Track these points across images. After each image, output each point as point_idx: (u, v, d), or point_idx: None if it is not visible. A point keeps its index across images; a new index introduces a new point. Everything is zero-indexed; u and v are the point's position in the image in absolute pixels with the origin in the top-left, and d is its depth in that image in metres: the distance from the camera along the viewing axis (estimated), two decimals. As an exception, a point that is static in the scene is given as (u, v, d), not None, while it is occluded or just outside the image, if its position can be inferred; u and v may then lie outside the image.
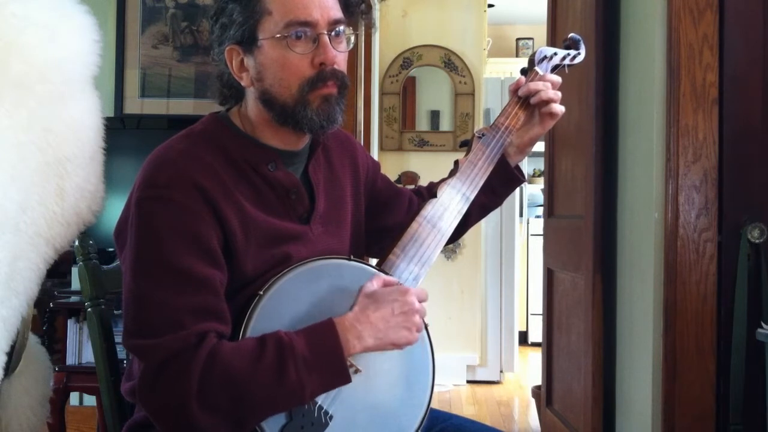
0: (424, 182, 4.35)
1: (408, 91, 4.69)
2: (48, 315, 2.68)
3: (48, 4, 1.39)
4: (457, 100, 4.62)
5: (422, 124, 4.69)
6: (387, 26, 4.51)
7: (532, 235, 5.92)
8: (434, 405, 1.30)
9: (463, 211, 1.39)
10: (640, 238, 2.35)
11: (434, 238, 1.33)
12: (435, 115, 4.68)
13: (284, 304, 1.19)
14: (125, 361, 1.45)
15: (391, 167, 4.52)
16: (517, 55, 6.71)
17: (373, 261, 1.34)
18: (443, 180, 1.42)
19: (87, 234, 1.44)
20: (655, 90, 2.22)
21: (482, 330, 4.69)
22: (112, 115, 3.25)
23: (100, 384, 1.40)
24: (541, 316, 3.50)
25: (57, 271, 2.60)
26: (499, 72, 6.03)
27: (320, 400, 1.17)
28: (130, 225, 1.19)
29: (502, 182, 1.49)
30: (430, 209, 1.35)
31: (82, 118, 1.40)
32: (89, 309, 1.41)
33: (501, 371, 4.70)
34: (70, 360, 2.64)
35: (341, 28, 1.25)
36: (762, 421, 1.97)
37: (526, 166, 5.91)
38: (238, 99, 1.31)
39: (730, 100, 2.15)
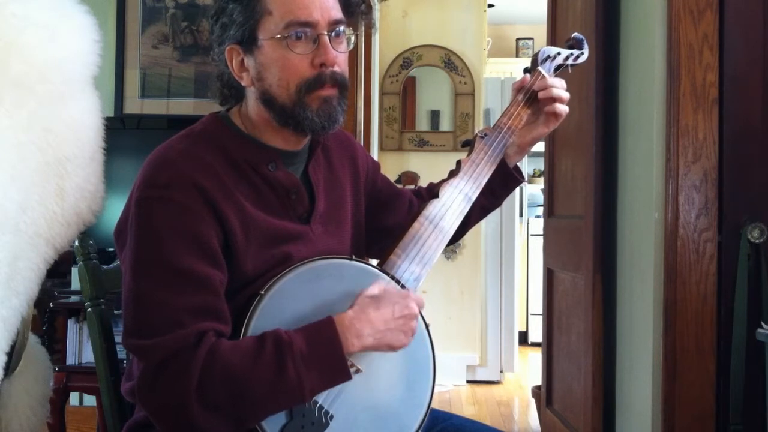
0: (424, 182, 4.36)
1: (408, 91, 4.69)
2: (48, 315, 2.68)
3: (48, 4, 1.38)
4: (457, 100, 4.62)
5: (422, 124, 4.69)
6: (387, 26, 4.51)
7: (532, 235, 5.92)
8: (434, 405, 1.30)
9: (465, 211, 1.39)
10: (640, 238, 2.35)
11: (436, 238, 1.33)
12: (435, 115, 4.68)
13: (285, 304, 1.19)
14: (125, 361, 1.45)
15: (391, 167, 4.52)
16: (517, 55, 6.71)
17: (374, 261, 1.34)
18: (444, 180, 1.42)
19: (87, 234, 1.44)
20: (655, 90, 2.22)
21: (482, 330, 4.68)
22: (112, 115, 3.25)
23: (100, 384, 1.40)
24: (541, 316, 3.50)
25: (57, 271, 2.60)
26: (499, 72, 6.03)
27: (321, 399, 1.17)
28: (130, 225, 1.19)
29: (500, 183, 1.49)
30: (432, 209, 1.35)
31: (82, 118, 1.40)
32: (89, 309, 1.41)
33: (501, 371, 4.70)
34: (70, 360, 2.64)
35: (341, 28, 1.25)
36: (762, 421, 1.97)
37: (526, 166, 5.91)
38: (239, 99, 1.31)
39: (730, 100, 2.15)
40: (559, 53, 1.51)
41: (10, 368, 1.43)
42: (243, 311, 1.17)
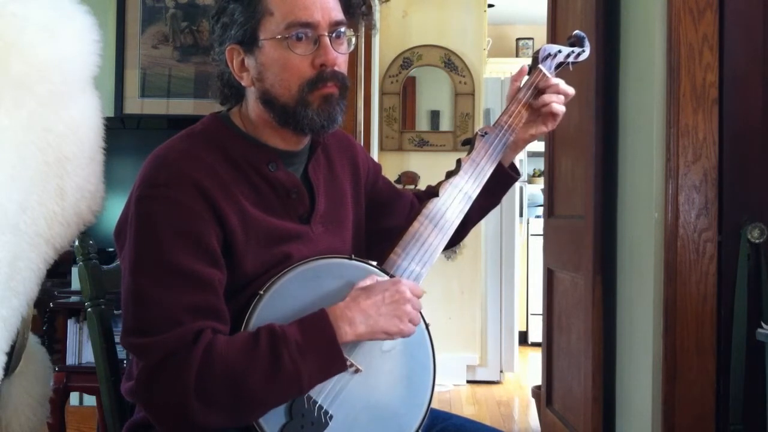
0: (424, 182, 4.36)
1: (408, 91, 4.68)
2: (48, 315, 2.68)
3: (48, 4, 1.38)
4: (457, 100, 4.62)
5: (422, 124, 4.69)
6: (387, 26, 4.51)
7: (532, 235, 5.91)
8: (434, 405, 1.30)
9: (466, 210, 1.39)
10: (640, 238, 2.35)
11: (436, 237, 1.33)
12: (435, 115, 4.68)
13: (285, 304, 1.19)
14: (125, 361, 1.45)
15: (391, 167, 4.52)
16: (517, 55, 6.70)
17: (374, 261, 1.34)
18: (443, 181, 1.42)
19: (87, 234, 1.44)
20: (655, 90, 2.22)
21: (482, 330, 4.68)
22: (112, 115, 3.25)
23: (100, 384, 1.40)
24: (541, 316, 3.50)
25: (57, 271, 2.59)
26: (499, 72, 6.03)
27: (320, 399, 1.17)
28: (130, 224, 1.19)
29: (497, 181, 1.49)
30: (432, 208, 1.35)
31: (82, 118, 1.40)
32: (89, 309, 1.41)
33: (501, 371, 4.70)
34: (70, 360, 2.64)
35: (342, 29, 1.25)
36: (762, 421, 1.97)
37: (526, 166, 5.91)
38: (239, 99, 1.32)
39: (730, 100, 2.15)
40: (560, 51, 1.51)
41: (10, 368, 1.43)
42: (243, 311, 1.17)
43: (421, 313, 1.28)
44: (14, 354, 1.42)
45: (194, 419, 1.10)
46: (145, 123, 3.27)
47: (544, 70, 1.47)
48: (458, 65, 4.59)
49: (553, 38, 3.17)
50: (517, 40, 6.75)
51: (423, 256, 1.31)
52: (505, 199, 1.58)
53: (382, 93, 4.56)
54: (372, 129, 3.90)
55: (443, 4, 4.61)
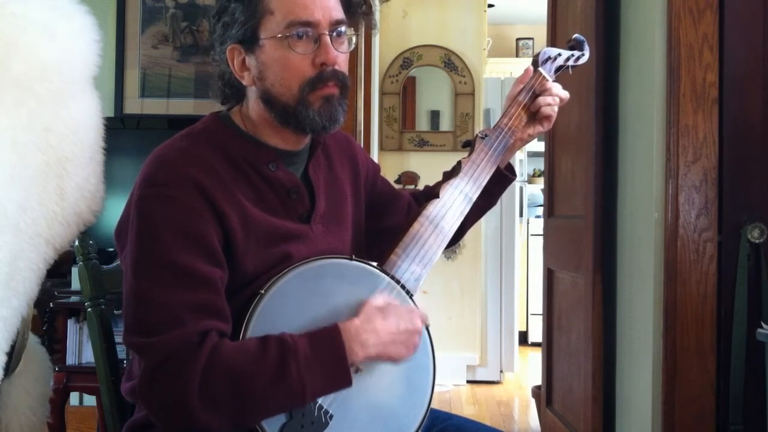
0: (423, 182, 4.36)
1: (408, 91, 4.68)
2: (48, 315, 2.68)
3: (48, 4, 1.38)
4: (457, 100, 4.62)
5: (422, 124, 4.69)
6: (387, 26, 4.51)
7: (532, 235, 5.91)
8: (434, 405, 1.30)
9: (466, 212, 1.39)
10: (640, 238, 2.35)
11: (436, 238, 1.34)
12: (435, 115, 4.68)
13: (285, 304, 1.19)
14: (125, 361, 1.45)
15: (391, 167, 4.52)
16: (517, 55, 6.71)
17: (374, 262, 1.34)
18: (442, 181, 1.42)
19: (87, 234, 1.44)
20: (655, 90, 2.22)
21: (482, 330, 4.68)
22: (112, 115, 3.25)
23: (100, 384, 1.40)
24: (541, 316, 3.50)
25: (57, 271, 2.59)
26: (499, 72, 6.03)
27: (320, 399, 1.17)
28: (131, 224, 1.19)
29: (494, 182, 1.49)
30: (433, 209, 1.35)
31: (82, 118, 1.40)
32: (89, 309, 1.41)
33: (501, 371, 4.70)
34: (70, 360, 2.64)
35: (342, 28, 1.26)
36: (762, 421, 1.97)
37: (526, 166, 5.91)
38: (240, 98, 1.32)
39: (730, 100, 2.15)
40: (559, 54, 1.52)
41: (10, 368, 1.43)
42: (243, 310, 1.17)
43: (427, 327, 1.29)
44: (14, 354, 1.42)
45: (195, 420, 1.10)
46: (145, 123, 3.27)
47: (544, 73, 1.48)
48: (458, 65, 4.59)
49: (553, 38, 3.17)
50: (517, 40, 6.75)
51: (423, 256, 1.32)
52: (505, 199, 1.59)
53: (382, 93, 4.56)
54: (372, 129, 3.90)
55: (443, 4, 4.61)
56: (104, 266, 1.44)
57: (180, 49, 3.33)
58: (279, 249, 1.23)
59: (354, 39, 1.30)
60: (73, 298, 2.65)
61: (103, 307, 1.42)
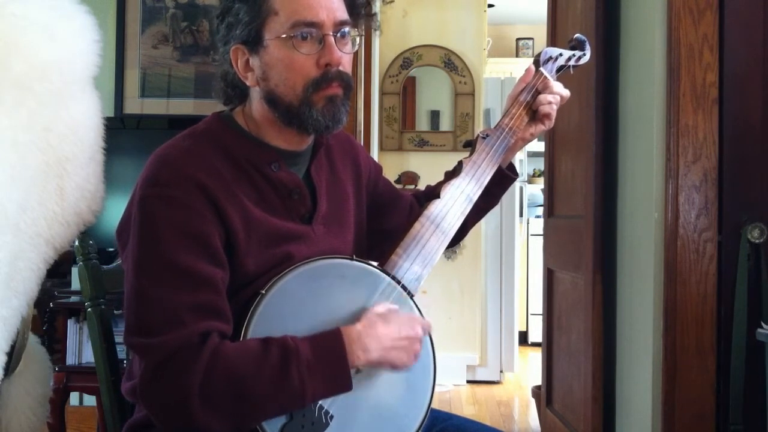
0: (424, 182, 4.36)
1: (408, 91, 4.68)
2: (48, 315, 2.68)
3: (48, 4, 1.39)
4: (457, 100, 4.62)
5: (422, 124, 4.69)
6: (387, 26, 4.51)
7: (532, 235, 5.91)
8: (434, 405, 1.30)
9: (467, 212, 1.39)
10: (640, 238, 2.35)
11: (437, 238, 1.34)
12: (435, 115, 4.68)
13: (286, 304, 1.19)
14: (125, 361, 1.45)
15: (391, 167, 4.52)
16: (517, 55, 6.70)
17: (375, 262, 1.34)
18: (443, 181, 1.42)
19: (87, 234, 1.44)
20: (655, 90, 2.22)
21: (482, 330, 4.68)
22: (112, 115, 3.25)
23: (100, 384, 1.40)
24: (541, 316, 3.50)
25: (57, 271, 2.60)
26: (499, 72, 6.03)
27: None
28: (133, 223, 1.19)
29: (495, 182, 1.49)
30: (434, 209, 1.35)
31: (82, 118, 1.40)
32: (89, 309, 1.41)
33: (501, 371, 4.70)
34: (70, 360, 2.64)
35: (347, 29, 1.26)
36: (762, 421, 1.97)
37: (526, 166, 5.91)
38: (242, 99, 1.32)
39: (730, 100, 2.15)
40: (561, 54, 1.52)
41: (10, 368, 1.43)
42: (244, 310, 1.17)
43: (420, 313, 1.28)
44: (14, 354, 1.42)
45: (195, 420, 1.10)
46: (145, 123, 3.27)
47: (546, 73, 1.48)
48: (458, 65, 4.59)
49: (553, 38, 3.17)
50: (517, 40, 6.75)
51: (424, 257, 1.32)
52: (505, 199, 1.59)
53: (382, 93, 4.56)
54: (372, 129, 3.90)
55: (443, 4, 4.61)
56: (104, 266, 1.44)
57: (180, 49, 3.33)
58: (280, 249, 1.23)
59: (357, 40, 1.30)
60: (73, 298, 2.65)
61: (103, 307, 1.41)
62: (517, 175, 1.55)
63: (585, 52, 1.57)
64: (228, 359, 1.10)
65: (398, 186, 4.41)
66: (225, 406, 1.10)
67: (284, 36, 1.21)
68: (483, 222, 4.59)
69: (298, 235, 1.26)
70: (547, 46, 1.51)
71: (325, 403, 1.17)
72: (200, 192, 1.17)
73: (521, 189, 5.67)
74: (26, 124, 1.30)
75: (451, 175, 1.42)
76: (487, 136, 1.43)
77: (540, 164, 5.99)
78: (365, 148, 2.32)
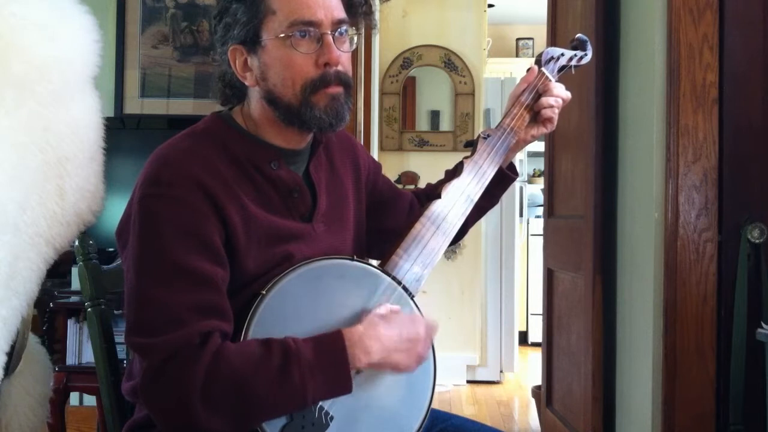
0: (424, 182, 4.36)
1: (408, 91, 4.68)
2: (48, 315, 2.67)
3: (48, 4, 1.38)
4: (457, 100, 4.62)
5: (422, 124, 4.69)
6: (387, 26, 4.51)
7: (532, 235, 5.91)
8: (434, 405, 1.30)
9: (467, 212, 1.39)
10: (640, 238, 2.35)
11: (438, 239, 1.33)
12: (435, 115, 4.68)
13: (286, 304, 1.19)
14: (125, 361, 1.44)
15: (391, 167, 4.52)
16: (517, 55, 6.71)
17: (374, 262, 1.34)
18: (443, 181, 1.42)
19: (87, 234, 1.44)
20: (655, 90, 2.22)
21: (482, 330, 4.68)
22: (112, 115, 3.25)
23: (100, 384, 1.40)
24: (541, 316, 3.50)
25: (57, 271, 2.59)
26: (499, 72, 6.03)
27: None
28: (133, 223, 1.19)
29: (496, 182, 1.49)
30: (434, 209, 1.35)
31: (82, 118, 1.40)
32: (89, 309, 1.41)
33: (501, 371, 4.70)
34: (70, 360, 2.64)
35: (345, 28, 1.26)
36: (762, 421, 1.97)
37: (526, 166, 5.92)
38: (241, 99, 1.32)
39: (730, 100, 2.15)
40: (562, 54, 1.52)
41: (10, 368, 1.43)
42: (244, 310, 1.17)
43: (422, 314, 1.28)
44: (14, 354, 1.42)
45: (196, 421, 1.09)
46: (145, 123, 3.27)
47: (547, 73, 1.47)
48: (458, 65, 4.59)
49: (553, 38, 3.17)
50: (517, 40, 6.75)
51: (425, 257, 1.31)
52: (505, 199, 1.59)
53: (382, 93, 4.56)
54: (372, 129, 3.89)
55: (443, 4, 4.61)
56: (104, 266, 1.44)
57: (180, 49, 3.33)
58: (280, 248, 1.23)
59: (356, 38, 1.30)
60: (73, 298, 2.65)
61: (103, 307, 1.41)
62: (517, 174, 1.55)
63: (587, 52, 1.57)
64: (229, 360, 1.10)
65: (398, 186, 4.42)
66: (226, 406, 1.10)
67: (282, 35, 1.21)
68: (483, 222, 4.60)
69: (298, 233, 1.26)
70: (547, 46, 1.52)
71: (325, 404, 1.17)
72: (200, 191, 1.17)
73: (521, 189, 5.67)
74: (26, 124, 1.30)
75: (451, 174, 1.42)
76: (488, 136, 1.43)
77: (540, 164, 5.99)
78: (365, 148, 2.32)
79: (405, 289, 1.28)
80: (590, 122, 2.59)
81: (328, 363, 1.14)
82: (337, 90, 1.23)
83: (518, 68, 6.28)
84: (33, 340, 1.61)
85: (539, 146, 4.83)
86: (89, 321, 1.40)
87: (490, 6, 5.68)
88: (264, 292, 1.18)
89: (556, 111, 1.47)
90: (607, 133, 2.59)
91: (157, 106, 3.33)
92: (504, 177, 1.51)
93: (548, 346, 3.18)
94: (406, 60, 4.61)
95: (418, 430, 1.26)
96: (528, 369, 5.05)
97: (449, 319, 4.52)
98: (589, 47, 1.57)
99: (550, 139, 3.21)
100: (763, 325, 1.92)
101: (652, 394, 2.20)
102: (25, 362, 1.53)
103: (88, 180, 1.41)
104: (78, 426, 3.02)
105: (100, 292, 1.42)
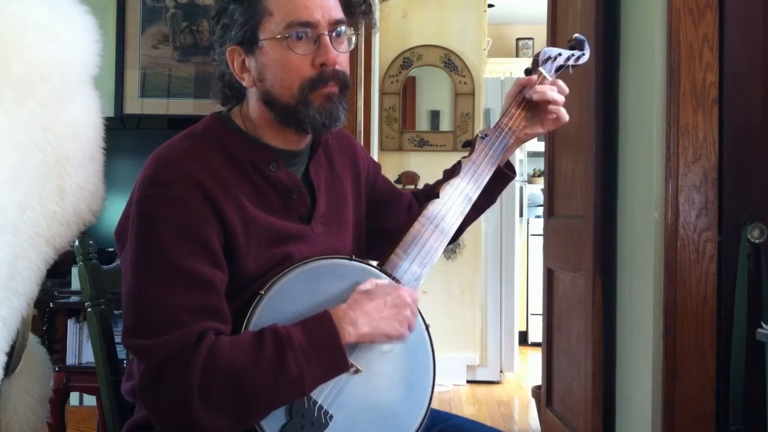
0: (424, 182, 4.35)
1: (408, 91, 4.68)
2: (48, 315, 2.68)
3: (48, 4, 1.38)
4: (457, 100, 4.62)
5: (422, 124, 4.69)
6: (387, 26, 4.51)
7: (532, 235, 5.91)
8: (434, 405, 1.30)
9: (466, 212, 1.39)
10: (640, 238, 2.35)
11: (436, 238, 1.33)
12: (435, 115, 4.68)
13: (285, 304, 1.19)
14: (125, 361, 1.44)
15: (391, 167, 4.52)
16: (517, 55, 6.70)
17: (374, 262, 1.34)
18: (442, 181, 1.42)
19: (87, 234, 1.44)
20: (655, 90, 2.22)
21: (482, 330, 4.68)
22: (112, 115, 3.25)
23: (100, 384, 1.40)
24: (541, 316, 3.50)
25: (57, 271, 2.60)
26: (499, 72, 6.03)
27: (320, 400, 1.17)
28: (131, 223, 1.19)
29: (494, 181, 1.49)
30: (433, 209, 1.35)
31: (82, 118, 1.40)
32: (89, 309, 1.41)
33: (501, 371, 4.70)
34: (70, 360, 2.64)
35: (342, 28, 1.25)
36: (762, 421, 1.97)
37: (526, 166, 5.91)
38: (240, 99, 1.32)
39: (730, 100, 2.15)
40: (560, 54, 1.51)
41: (10, 368, 1.43)
42: (243, 311, 1.17)
43: (421, 314, 1.28)
44: (14, 354, 1.42)
45: (197, 421, 1.09)
46: (145, 123, 3.27)
47: (545, 73, 1.47)
48: (458, 65, 4.59)
49: (553, 38, 3.17)
50: (517, 40, 6.75)
51: (423, 257, 1.32)
52: (505, 199, 1.59)
53: (382, 93, 4.56)
54: (372, 129, 3.89)
55: (443, 4, 4.61)
56: (104, 266, 1.44)
57: (180, 49, 3.33)
58: (280, 249, 1.23)
59: (354, 38, 1.30)
60: (73, 298, 2.65)
61: (103, 307, 1.41)
62: (515, 173, 1.55)
63: (584, 51, 1.56)
64: (225, 356, 1.10)
65: (398, 186, 4.42)
66: (225, 403, 1.10)
67: (279, 36, 1.21)
68: (483, 222, 4.60)
69: (297, 234, 1.26)
70: (547, 46, 1.51)
71: (325, 403, 1.17)
72: (199, 192, 1.17)
73: (521, 189, 5.67)
74: (26, 124, 1.30)
75: (450, 174, 1.42)
76: (486, 135, 1.43)
77: (540, 164, 5.98)
78: (365, 148, 2.32)
79: (405, 289, 1.28)
80: (590, 122, 2.59)
81: (320, 343, 1.14)
82: (333, 89, 1.23)
83: (518, 68, 6.28)
84: (33, 340, 1.61)
85: (539, 146, 4.84)
86: (89, 321, 1.41)
87: (490, 6, 5.68)
88: (262, 292, 1.18)
89: (561, 109, 1.46)
90: (607, 133, 2.59)
91: (157, 106, 3.33)
92: (502, 176, 1.51)
93: (548, 346, 3.18)
94: (406, 60, 4.61)
95: (418, 429, 1.26)
96: (528, 369, 5.05)
97: (449, 319, 4.52)
98: (587, 47, 1.57)
99: (550, 139, 3.21)
100: (763, 325, 1.92)
101: (652, 394, 2.20)
102: (25, 362, 1.53)
103: (88, 180, 1.41)
104: (78, 426, 3.02)
105: (100, 292, 1.42)
